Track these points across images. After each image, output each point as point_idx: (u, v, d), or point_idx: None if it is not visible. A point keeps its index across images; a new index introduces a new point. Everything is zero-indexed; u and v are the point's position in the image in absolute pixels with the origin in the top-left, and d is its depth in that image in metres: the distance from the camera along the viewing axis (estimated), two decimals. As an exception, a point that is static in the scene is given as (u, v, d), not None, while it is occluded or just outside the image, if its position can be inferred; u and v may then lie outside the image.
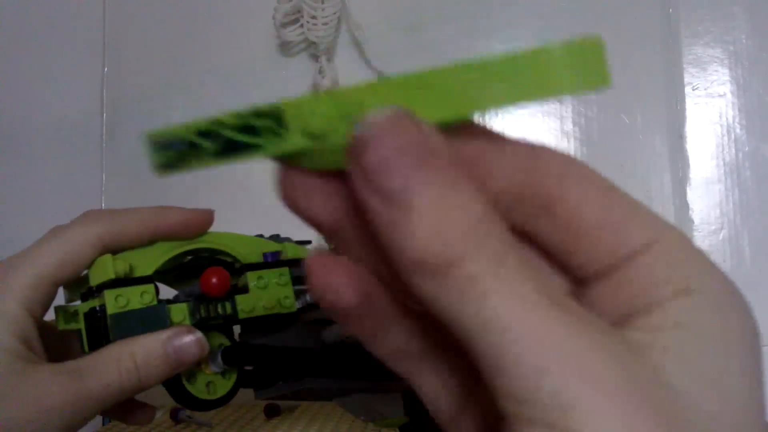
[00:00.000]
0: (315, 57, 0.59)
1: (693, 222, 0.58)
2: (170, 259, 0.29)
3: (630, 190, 0.53)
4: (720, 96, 0.59)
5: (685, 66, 0.59)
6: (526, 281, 0.11)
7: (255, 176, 0.61)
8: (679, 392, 0.11)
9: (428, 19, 0.61)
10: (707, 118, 0.59)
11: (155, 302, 0.27)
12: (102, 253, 0.28)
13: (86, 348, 0.27)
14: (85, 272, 0.28)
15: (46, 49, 0.63)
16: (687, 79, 0.59)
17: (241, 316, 0.29)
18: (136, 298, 0.27)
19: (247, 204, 0.61)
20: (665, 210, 0.58)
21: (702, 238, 0.58)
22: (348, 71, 0.59)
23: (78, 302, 0.29)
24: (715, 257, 0.58)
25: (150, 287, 0.28)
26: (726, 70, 0.59)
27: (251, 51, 0.61)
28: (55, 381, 0.24)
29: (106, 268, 0.26)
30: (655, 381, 0.11)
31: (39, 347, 0.27)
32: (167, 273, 0.30)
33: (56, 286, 0.27)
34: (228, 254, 0.30)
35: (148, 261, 0.28)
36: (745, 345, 0.12)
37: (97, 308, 0.27)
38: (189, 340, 0.27)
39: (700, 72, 0.59)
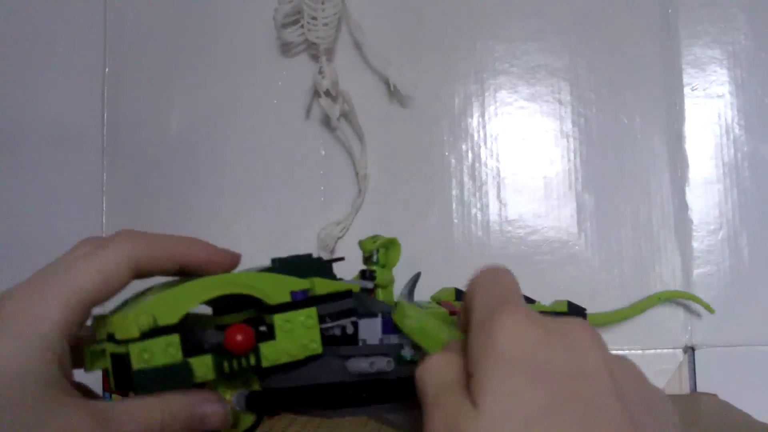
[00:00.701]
0: (315, 57, 0.59)
1: (692, 222, 0.58)
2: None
3: (629, 190, 0.54)
4: (719, 96, 0.59)
5: (684, 66, 0.59)
6: None
7: (262, 187, 0.61)
8: None
9: (428, 19, 0.61)
10: (706, 118, 0.59)
11: (180, 357, 0.26)
12: (133, 277, 0.27)
13: (113, 385, 0.26)
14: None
15: (47, 49, 0.63)
16: (686, 79, 0.59)
17: (265, 364, 0.28)
18: (161, 351, 0.26)
19: (255, 214, 0.61)
20: (664, 210, 0.58)
21: (701, 238, 0.58)
22: (348, 71, 0.59)
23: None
24: (714, 257, 0.58)
25: (175, 339, 0.26)
26: (725, 71, 0.59)
27: (251, 51, 0.61)
28: (82, 423, 0.24)
29: (130, 326, 0.25)
30: None
31: (70, 372, 0.26)
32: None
33: (90, 308, 0.27)
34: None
35: (173, 307, 0.27)
36: None
37: (123, 356, 0.26)
38: (215, 409, 0.27)
39: (699, 72, 0.59)
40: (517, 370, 0.21)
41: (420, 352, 0.32)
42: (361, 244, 0.39)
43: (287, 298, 0.29)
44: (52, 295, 0.26)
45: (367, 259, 0.38)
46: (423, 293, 0.47)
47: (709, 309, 0.56)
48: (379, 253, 0.38)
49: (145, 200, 0.61)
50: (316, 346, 0.29)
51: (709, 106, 0.59)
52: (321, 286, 0.30)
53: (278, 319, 0.28)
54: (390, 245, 0.38)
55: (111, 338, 0.26)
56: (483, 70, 0.60)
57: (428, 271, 0.54)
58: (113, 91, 0.62)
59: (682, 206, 0.58)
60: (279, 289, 0.29)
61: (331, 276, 0.31)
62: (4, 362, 0.24)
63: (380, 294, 0.36)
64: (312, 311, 0.29)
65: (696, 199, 0.58)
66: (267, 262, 0.31)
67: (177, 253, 0.28)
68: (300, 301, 0.29)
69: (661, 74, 0.59)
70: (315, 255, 0.31)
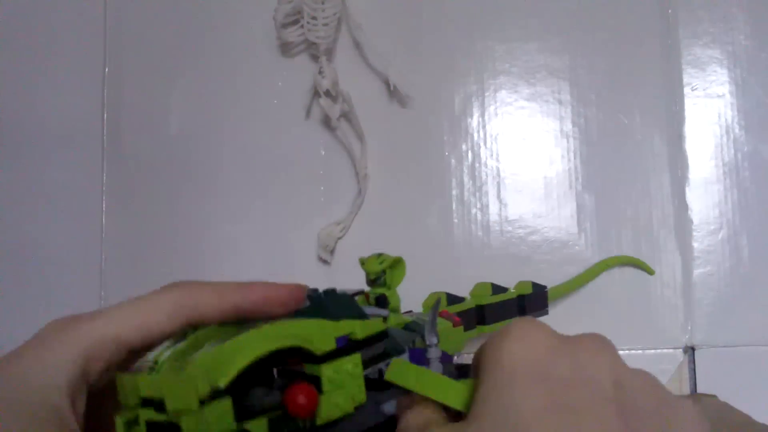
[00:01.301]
0: (315, 57, 0.59)
1: (692, 222, 0.58)
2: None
3: (629, 190, 0.54)
4: (719, 96, 0.59)
5: (684, 66, 0.59)
6: None
7: (262, 187, 0.61)
8: None
9: (428, 19, 0.61)
10: (706, 118, 0.59)
11: (234, 425, 0.23)
12: (179, 325, 0.25)
13: None
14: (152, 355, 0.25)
15: (47, 49, 0.63)
16: (686, 79, 0.59)
17: (319, 422, 0.25)
18: (216, 420, 0.22)
19: (255, 214, 0.61)
20: (664, 210, 0.58)
21: (701, 239, 0.58)
22: (348, 71, 0.59)
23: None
24: (714, 257, 0.58)
25: (228, 403, 0.23)
26: (725, 71, 0.59)
27: (251, 51, 0.61)
28: None
29: (188, 393, 0.22)
30: None
31: (82, 408, 0.24)
32: None
33: (120, 347, 0.25)
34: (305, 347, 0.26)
35: (225, 367, 0.23)
36: None
37: (166, 425, 0.23)
38: None
39: (699, 72, 0.59)
40: (519, 375, 0.21)
41: None
42: (365, 265, 0.36)
43: (333, 346, 0.26)
44: (79, 326, 0.24)
45: (372, 281, 0.36)
46: (423, 294, 0.47)
47: (650, 271, 0.57)
48: (385, 274, 0.35)
49: (145, 200, 0.61)
50: (362, 396, 0.27)
51: (709, 106, 0.59)
52: (362, 329, 0.27)
53: (326, 369, 0.26)
54: (395, 265, 0.36)
55: (147, 403, 0.23)
56: (483, 70, 0.60)
57: (428, 271, 0.54)
58: (113, 91, 0.62)
59: (682, 206, 0.58)
60: (325, 336, 0.26)
61: (361, 313, 0.29)
62: (15, 407, 0.22)
63: (392, 319, 0.34)
64: (356, 358, 0.27)
65: (696, 199, 0.58)
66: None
67: (225, 299, 0.26)
68: (344, 347, 0.26)
69: (661, 74, 0.59)
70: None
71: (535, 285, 0.52)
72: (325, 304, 0.28)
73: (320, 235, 0.58)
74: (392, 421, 0.29)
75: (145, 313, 0.25)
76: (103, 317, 0.25)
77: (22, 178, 0.62)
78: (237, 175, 0.61)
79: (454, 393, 0.25)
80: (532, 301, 0.51)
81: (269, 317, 0.26)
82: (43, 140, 0.63)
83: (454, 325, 0.41)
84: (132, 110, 0.62)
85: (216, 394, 0.22)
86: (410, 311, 0.40)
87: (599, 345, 0.22)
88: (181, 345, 0.25)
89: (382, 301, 0.35)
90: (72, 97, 0.63)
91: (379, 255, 0.36)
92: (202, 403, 0.22)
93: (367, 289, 0.37)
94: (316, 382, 0.25)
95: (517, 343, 0.22)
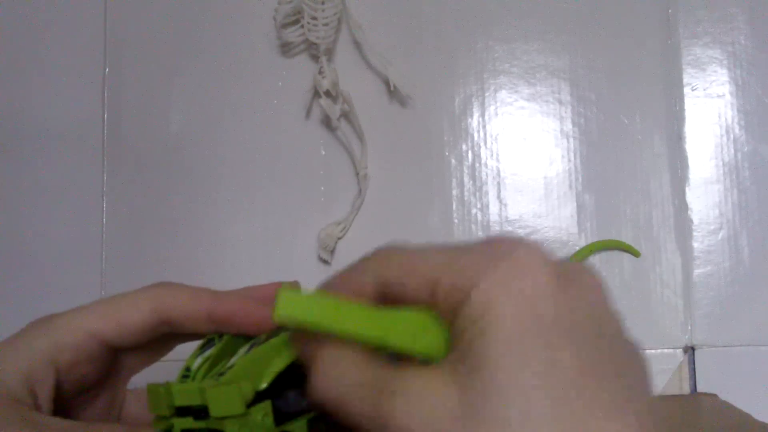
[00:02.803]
0: (315, 57, 0.59)
1: (692, 222, 0.58)
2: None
3: (629, 190, 0.54)
4: (719, 96, 0.59)
5: (684, 67, 0.59)
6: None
7: (262, 187, 0.61)
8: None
9: (428, 19, 0.61)
10: (706, 118, 0.59)
11: (273, 426, 0.23)
12: (155, 324, 0.26)
13: None
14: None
15: (47, 49, 0.63)
16: (686, 79, 0.59)
17: None
18: (258, 424, 0.22)
19: (255, 214, 0.61)
20: (664, 210, 0.58)
21: (701, 239, 0.58)
22: (348, 71, 0.59)
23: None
24: (714, 257, 0.58)
25: (269, 406, 0.23)
26: (725, 71, 0.59)
27: (251, 52, 0.61)
28: None
29: (233, 399, 0.21)
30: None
31: (46, 393, 0.25)
32: None
33: (94, 339, 0.25)
34: None
35: (263, 370, 0.23)
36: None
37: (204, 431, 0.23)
38: None
39: (699, 73, 0.59)
40: (519, 338, 0.17)
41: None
42: None
43: None
44: (31, 337, 0.25)
45: None
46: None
47: (636, 253, 0.57)
48: None
49: (144, 200, 0.61)
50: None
51: (709, 106, 0.59)
52: None
53: None
54: None
55: (182, 412, 0.23)
56: (483, 70, 0.60)
57: (428, 271, 0.54)
58: (113, 91, 0.62)
59: (682, 206, 0.58)
60: None
61: None
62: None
63: None
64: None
65: (696, 199, 0.58)
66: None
67: (200, 302, 0.26)
68: None
69: (662, 74, 0.59)
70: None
71: None
72: None
73: (320, 235, 0.58)
74: None
75: (121, 309, 0.26)
76: (80, 311, 0.26)
77: (21, 178, 0.62)
78: (237, 175, 0.61)
79: (401, 330, 0.20)
80: None
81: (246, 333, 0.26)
82: (42, 140, 0.62)
83: None
84: (132, 110, 0.62)
85: (256, 398, 0.22)
86: None
87: (598, 281, 0.20)
88: (212, 351, 0.25)
89: None
90: (72, 97, 0.63)
91: None
92: (247, 407, 0.22)
93: None
94: None
95: (516, 289, 0.18)
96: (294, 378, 0.24)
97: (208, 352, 0.25)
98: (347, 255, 0.59)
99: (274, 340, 0.24)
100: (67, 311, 0.27)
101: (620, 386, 0.18)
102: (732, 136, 0.59)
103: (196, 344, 0.27)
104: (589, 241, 0.58)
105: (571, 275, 0.19)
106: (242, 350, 0.25)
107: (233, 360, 0.24)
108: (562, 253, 0.58)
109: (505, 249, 0.19)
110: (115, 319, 0.26)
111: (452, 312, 0.19)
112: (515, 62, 0.60)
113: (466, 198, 0.59)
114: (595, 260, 0.58)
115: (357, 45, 0.60)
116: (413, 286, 0.20)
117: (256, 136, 0.61)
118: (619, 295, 0.58)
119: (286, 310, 0.19)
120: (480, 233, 0.59)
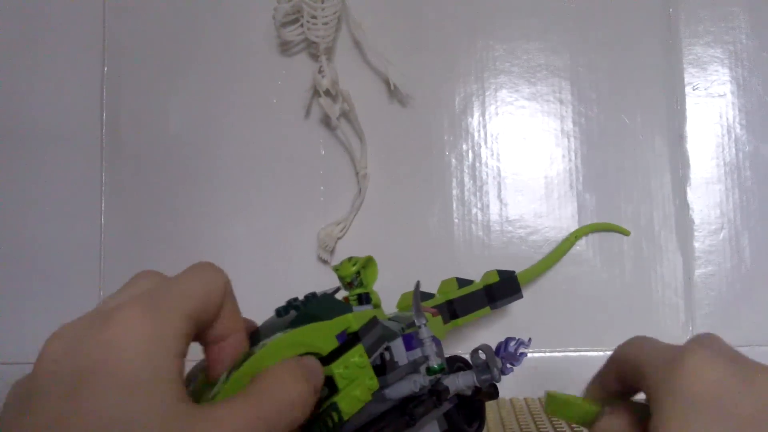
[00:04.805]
0: (315, 57, 0.59)
1: (693, 222, 0.58)
2: None
3: (630, 190, 0.53)
4: (720, 96, 0.59)
5: (685, 66, 0.59)
6: None
7: (262, 186, 0.61)
8: None
9: (428, 19, 0.61)
10: (707, 118, 0.59)
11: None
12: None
13: None
14: None
15: (46, 49, 0.63)
16: (687, 79, 0.59)
17: (346, 418, 0.26)
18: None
19: (254, 214, 0.61)
20: (665, 210, 0.58)
21: (702, 238, 0.58)
22: (348, 71, 0.59)
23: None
24: (715, 257, 0.58)
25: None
26: (726, 70, 0.59)
27: (250, 51, 0.61)
28: None
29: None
30: None
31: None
32: None
33: (196, 326, 0.24)
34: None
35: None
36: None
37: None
38: None
39: (701, 72, 0.59)
40: (701, 408, 0.21)
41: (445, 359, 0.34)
42: (339, 270, 0.37)
43: (335, 343, 0.27)
44: (171, 305, 0.23)
45: (348, 284, 0.37)
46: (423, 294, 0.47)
47: (625, 232, 0.58)
48: (360, 275, 0.36)
49: (144, 200, 0.61)
50: (375, 383, 0.28)
51: (710, 105, 0.59)
52: (356, 320, 0.28)
53: (336, 368, 0.27)
54: (367, 264, 0.37)
55: None
56: (483, 69, 0.60)
57: (428, 271, 0.54)
58: (112, 91, 0.62)
59: (683, 206, 0.58)
60: (325, 337, 0.27)
61: (347, 307, 0.30)
62: (136, 363, 0.20)
63: (378, 312, 0.35)
64: (360, 349, 0.28)
65: (697, 199, 0.58)
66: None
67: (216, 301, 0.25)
68: (345, 342, 0.28)
69: (663, 74, 0.59)
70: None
71: (501, 272, 0.52)
72: (311, 308, 0.28)
73: (320, 235, 0.58)
74: (398, 405, 0.31)
75: (211, 295, 0.25)
76: (182, 289, 0.25)
77: (21, 178, 0.62)
78: (236, 175, 0.61)
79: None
80: (501, 288, 0.51)
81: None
82: (42, 140, 0.62)
83: (433, 315, 0.43)
84: (131, 109, 0.62)
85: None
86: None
87: None
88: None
89: (364, 299, 0.36)
90: (71, 97, 0.62)
91: (350, 258, 0.37)
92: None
93: (345, 293, 0.37)
94: (329, 382, 0.26)
95: (698, 369, 0.22)
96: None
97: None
98: (347, 255, 0.59)
99: (270, 343, 0.25)
100: (169, 291, 0.24)
101: None
102: (733, 135, 0.59)
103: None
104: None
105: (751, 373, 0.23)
106: (222, 377, 0.24)
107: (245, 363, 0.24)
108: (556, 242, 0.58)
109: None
110: (210, 306, 0.25)
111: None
112: (516, 61, 0.60)
113: (466, 197, 0.59)
114: (597, 261, 0.58)
115: (357, 44, 0.60)
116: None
117: (255, 136, 0.61)
118: (620, 295, 0.58)
119: (550, 408, 0.30)
120: (480, 233, 0.59)
